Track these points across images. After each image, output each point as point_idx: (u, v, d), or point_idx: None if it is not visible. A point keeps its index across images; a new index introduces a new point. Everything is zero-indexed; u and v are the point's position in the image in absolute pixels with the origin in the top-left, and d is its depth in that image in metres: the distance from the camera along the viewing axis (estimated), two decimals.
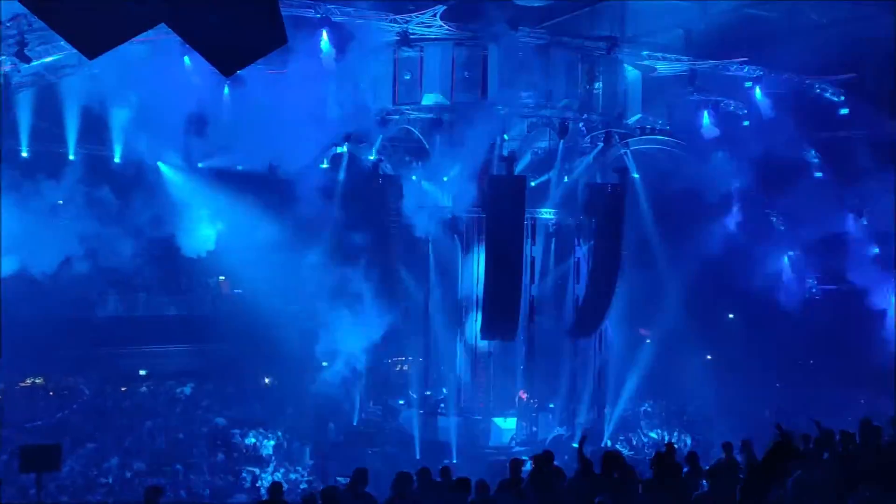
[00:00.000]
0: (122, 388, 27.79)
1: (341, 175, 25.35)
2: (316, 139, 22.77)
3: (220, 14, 4.76)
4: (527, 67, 23.02)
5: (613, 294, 24.66)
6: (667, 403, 27.74)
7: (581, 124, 24.44)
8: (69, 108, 22.67)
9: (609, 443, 24.63)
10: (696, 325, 26.82)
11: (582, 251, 25.61)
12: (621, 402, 25.97)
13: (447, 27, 22.09)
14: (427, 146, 24.25)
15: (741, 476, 10.41)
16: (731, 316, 30.83)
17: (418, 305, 25.58)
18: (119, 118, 22.71)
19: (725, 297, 28.72)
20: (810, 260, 28.52)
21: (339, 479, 17.90)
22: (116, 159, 23.86)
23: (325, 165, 25.01)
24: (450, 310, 25.05)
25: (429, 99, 23.32)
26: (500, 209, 22.60)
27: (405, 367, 28.47)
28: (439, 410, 24.32)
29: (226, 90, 21.78)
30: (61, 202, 22.53)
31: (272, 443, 24.10)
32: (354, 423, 25.02)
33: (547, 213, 25.12)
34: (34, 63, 19.82)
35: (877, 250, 27.19)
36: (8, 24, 18.02)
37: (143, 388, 27.93)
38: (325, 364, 25.23)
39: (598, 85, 24.45)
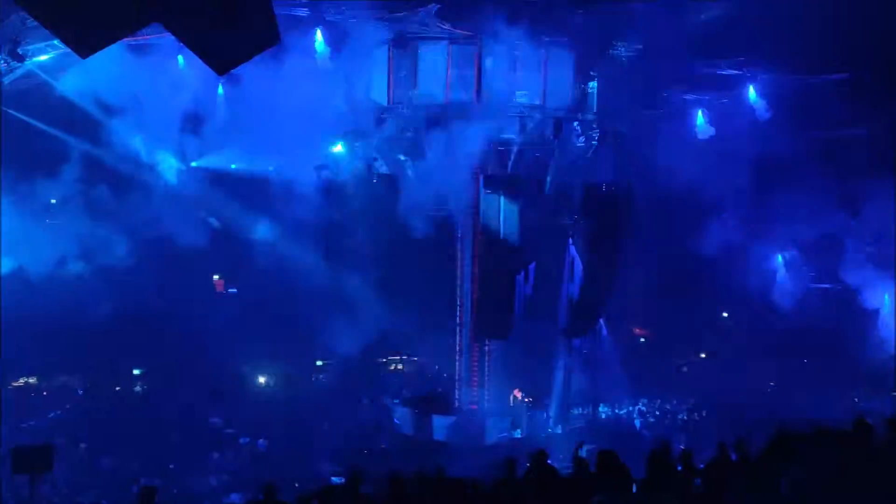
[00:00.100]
0: (116, 388, 27.73)
1: (336, 174, 25.32)
2: (311, 138, 22.74)
3: (213, 13, 4.75)
4: (521, 66, 23.03)
5: (609, 293, 24.70)
6: (661, 402, 27.79)
7: (576, 123, 24.45)
8: (63, 107, 22.59)
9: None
10: (690, 324, 26.88)
11: (576, 250, 25.62)
12: (616, 401, 26.02)
13: (441, 26, 22.08)
14: (422, 145, 24.22)
15: (735, 475, 10.42)
16: (725, 315, 30.90)
17: (413, 304, 25.56)
18: (114, 117, 22.64)
19: (720, 296, 28.78)
20: (805, 259, 28.59)
21: (333, 478, 17.90)
22: (111, 158, 23.79)
23: (319, 164, 24.98)
24: (445, 309, 25.05)
25: (423, 98, 23.30)
26: (496, 208, 22.62)
27: (400, 367, 28.48)
28: (434, 409, 24.33)
29: (220, 89, 21.75)
30: (54, 201, 22.45)
31: (266, 442, 24.08)
32: (349, 423, 25.00)
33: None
34: (27, 62, 19.76)
35: (871, 250, 27.25)
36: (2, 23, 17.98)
37: (137, 388, 27.86)
38: (320, 363, 25.22)
39: (593, 84, 24.46)
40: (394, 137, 25.00)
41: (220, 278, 30.98)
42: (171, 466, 21.73)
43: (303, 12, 20.79)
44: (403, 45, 22.60)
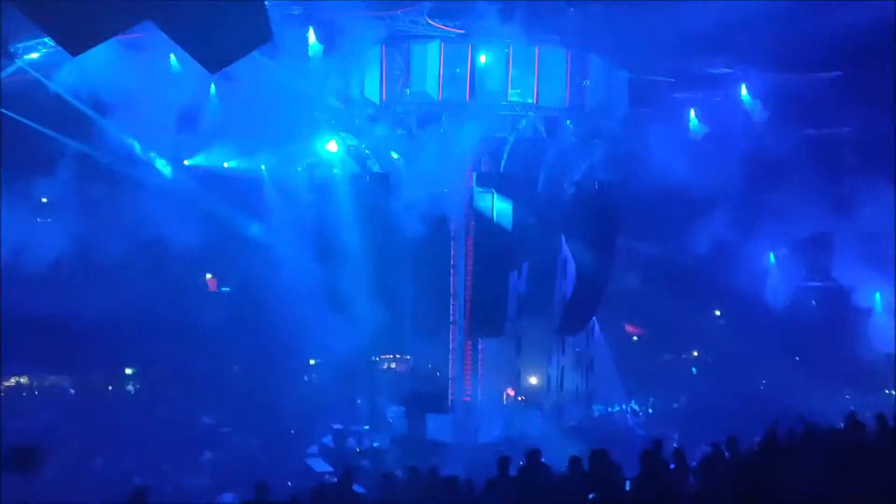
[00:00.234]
0: (108, 387, 27.63)
1: (329, 172, 25.28)
2: (303, 136, 22.71)
3: (205, 11, 4.73)
4: (514, 64, 23.03)
5: (602, 291, 24.74)
6: (654, 400, 27.86)
7: (568, 121, 24.46)
8: (54, 105, 22.49)
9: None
10: (683, 323, 26.94)
11: (569, 248, 25.65)
12: (609, 399, 26.08)
13: (434, 24, 22.08)
14: (415, 143, 24.21)
15: (727, 472, 10.45)
16: (717, 313, 30.99)
17: (407, 303, 25.56)
18: (106, 115, 22.56)
19: (712, 294, 28.86)
20: (797, 258, 28.68)
21: (326, 477, 17.90)
22: (103, 156, 23.70)
23: (312, 162, 24.94)
24: (439, 307, 25.04)
25: (416, 96, 23.30)
26: (489, 206, 22.64)
27: (393, 365, 28.46)
28: (428, 407, 24.33)
29: (212, 88, 21.68)
30: (45, 200, 22.36)
31: (258, 441, 24.04)
32: (342, 422, 24.97)
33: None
34: (18, 60, 19.68)
35: (863, 248, 27.34)
36: None
37: (129, 387, 27.77)
38: (312, 362, 25.17)
39: (585, 82, 24.48)
40: (387, 136, 24.99)
41: (212, 277, 30.91)
42: (163, 466, 21.66)
43: (295, 10, 20.74)
44: (396, 43, 22.57)
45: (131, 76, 20.14)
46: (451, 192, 23.92)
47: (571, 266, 25.56)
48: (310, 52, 21.18)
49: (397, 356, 27.69)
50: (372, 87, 23.50)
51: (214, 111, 22.25)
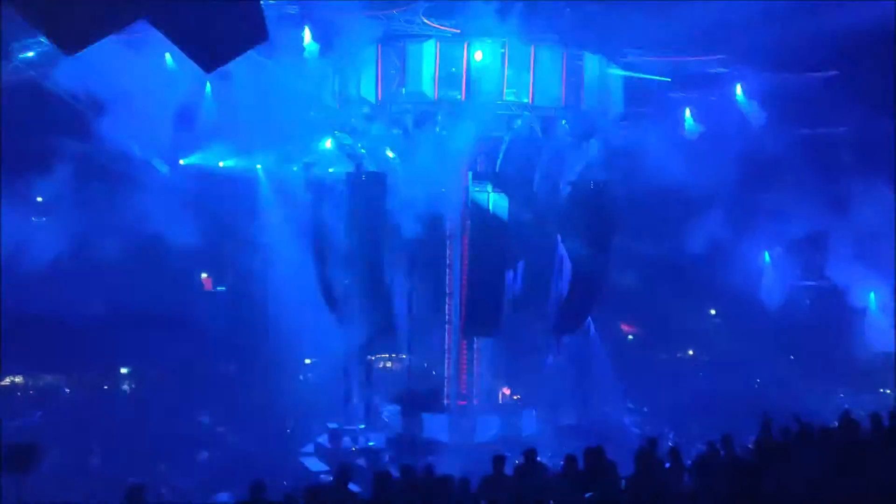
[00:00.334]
0: (104, 387, 27.60)
1: (324, 172, 25.28)
2: (299, 136, 22.70)
3: (200, 10, 4.73)
4: (510, 64, 23.05)
5: (597, 291, 24.76)
6: (649, 399, 27.89)
7: (565, 121, 24.48)
8: (53, 104, 22.44)
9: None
10: (678, 322, 26.98)
11: (565, 248, 25.66)
12: (604, 398, 26.10)
13: (431, 23, 22.08)
14: (411, 143, 24.21)
15: (723, 470, 10.48)
16: (713, 312, 31.04)
17: (403, 303, 25.56)
18: (101, 114, 22.50)
19: (708, 293, 28.90)
20: (792, 257, 28.74)
21: (322, 476, 17.91)
22: (99, 156, 23.65)
23: (308, 161, 24.93)
24: (434, 306, 25.05)
25: (412, 95, 23.30)
26: (484, 206, 22.66)
27: (389, 364, 28.47)
28: (424, 407, 24.34)
29: (208, 87, 21.67)
30: (40, 199, 22.31)
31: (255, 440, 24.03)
32: (337, 421, 24.98)
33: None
34: (15, 59, 19.64)
35: (858, 248, 27.41)
36: None
37: (125, 387, 27.74)
38: (308, 361, 25.17)
39: (582, 82, 24.50)
40: (382, 135, 24.99)
41: (207, 276, 30.89)
42: (159, 465, 21.65)
43: (291, 9, 20.73)
44: (392, 42, 22.57)
45: (127, 75, 20.10)
46: (447, 191, 23.92)
47: (567, 265, 25.57)
48: (306, 52, 21.15)
49: (393, 355, 27.71)
50: (368, 87, 23.50)
51: (210, 110, 22.22)
